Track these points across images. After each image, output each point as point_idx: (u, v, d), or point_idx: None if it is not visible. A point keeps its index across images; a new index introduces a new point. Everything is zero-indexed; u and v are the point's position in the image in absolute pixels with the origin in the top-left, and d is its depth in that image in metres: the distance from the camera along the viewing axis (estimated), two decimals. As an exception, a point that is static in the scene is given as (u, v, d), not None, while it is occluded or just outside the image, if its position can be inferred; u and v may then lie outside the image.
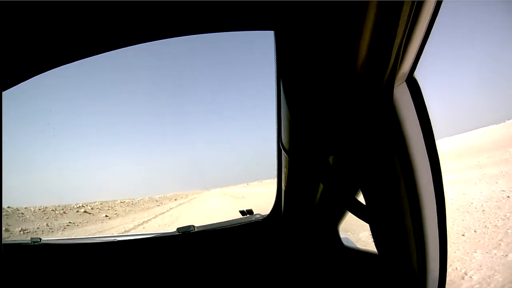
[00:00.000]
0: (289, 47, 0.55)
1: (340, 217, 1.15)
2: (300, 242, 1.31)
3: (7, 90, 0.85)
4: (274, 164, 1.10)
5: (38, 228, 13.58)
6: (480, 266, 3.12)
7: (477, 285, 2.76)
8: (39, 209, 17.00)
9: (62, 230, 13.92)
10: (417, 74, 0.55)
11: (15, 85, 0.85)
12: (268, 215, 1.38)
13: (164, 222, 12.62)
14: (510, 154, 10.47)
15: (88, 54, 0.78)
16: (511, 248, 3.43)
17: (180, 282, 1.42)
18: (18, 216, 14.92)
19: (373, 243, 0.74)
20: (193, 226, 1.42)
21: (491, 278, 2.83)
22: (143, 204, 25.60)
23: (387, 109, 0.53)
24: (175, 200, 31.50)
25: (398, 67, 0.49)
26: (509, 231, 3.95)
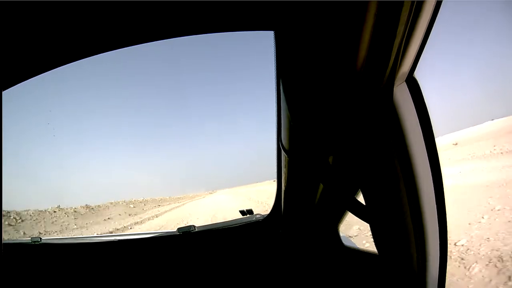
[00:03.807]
0: (289, 47, 0.55)
1: (340, 217, 1.15)
2: (300, 242, 1.31)
3: (7, 90, 0.85)
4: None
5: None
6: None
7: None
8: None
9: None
10: (417, 74, 0.55)
11: (15, 85, 0.85)
12: (268, 215, 1.38)
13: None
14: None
15: (88, 54, 0.77)
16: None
17: (180, 282, 1.42)
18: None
19: (373, 243, 0.74)
20: (194, 226, 1.42)
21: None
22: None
23: (387, 109, 0.53)
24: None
25: (398, 67, 0.49)
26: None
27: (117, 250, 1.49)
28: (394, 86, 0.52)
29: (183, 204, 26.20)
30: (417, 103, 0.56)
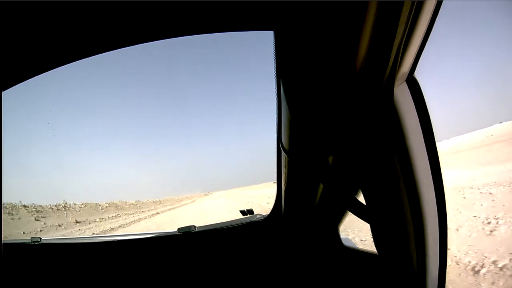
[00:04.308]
0: (289, 47, 0.55)
1: (340, 217, 1.15)
2: (300, 242, 1.31)
3: (6, 90, 0.85)
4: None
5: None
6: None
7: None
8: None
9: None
10: (417, 74, 0.55)
11: (15, 85, 0.85)
12: (269, 215, 1.38)
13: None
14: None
15: (88, 54, 0.77)
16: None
17: (181, 282, 1.42)
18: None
19: (373, 243, 0.74)
20: (194, 226, 1.42)
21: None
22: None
23: (387, 109, 0.53)
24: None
25: (398, 67, 0.49)
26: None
27: (117, 250, 1.49)
28: (395, 86, 0.52)
29: (138, 220, 13.98)
30: (417, 103, 0.56)
